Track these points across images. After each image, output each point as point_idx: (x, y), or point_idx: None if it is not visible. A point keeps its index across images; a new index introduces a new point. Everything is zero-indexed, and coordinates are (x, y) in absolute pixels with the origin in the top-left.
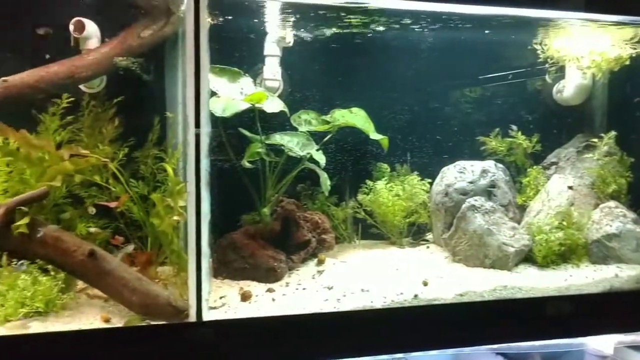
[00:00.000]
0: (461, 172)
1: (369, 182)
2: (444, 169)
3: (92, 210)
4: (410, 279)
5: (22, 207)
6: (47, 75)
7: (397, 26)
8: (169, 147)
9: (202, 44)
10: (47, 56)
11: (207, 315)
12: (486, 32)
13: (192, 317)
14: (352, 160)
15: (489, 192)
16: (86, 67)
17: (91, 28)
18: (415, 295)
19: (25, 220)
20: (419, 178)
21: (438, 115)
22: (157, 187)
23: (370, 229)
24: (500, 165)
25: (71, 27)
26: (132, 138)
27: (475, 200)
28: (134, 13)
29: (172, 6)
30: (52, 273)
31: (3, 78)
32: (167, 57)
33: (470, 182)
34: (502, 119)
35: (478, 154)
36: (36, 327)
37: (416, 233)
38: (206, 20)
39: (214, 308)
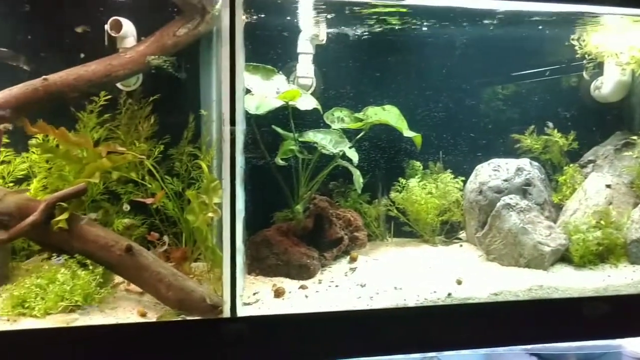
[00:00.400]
0: (496, 170)
1: (401, 180)
2: (478, 166)
3: (126, 207)
4: (443, 278)
5: (62, 203)
6: (85, 74)
7: (431, 23)
8: (204, 144)
9: (237, 42)
10: (82, 55)
11: (241, 311)
12: (522, 28)
13: (227, 313)
14: (384, 158)
15: (524, 190)
16: (123, 66)
17: (128, 27)
18: (449, 294)
19: (65, 215)
20: (452, 176)
21: (472, 112)
22: (192, 184)
23: (402, 227)
24: (536, 164)
25: (108, 26)
26: (167, 135)
27: (510, 198)
28: (169, 12)
29: (207, 5)
30: (91, 267)
31: (44, 76)
32: (202, 55)
33: (505, 180)
34: (537, 116)
35: (512, 152)
36: (75, 320)
37: (449, 231)
38: (241, 19)
39: (248, 304)
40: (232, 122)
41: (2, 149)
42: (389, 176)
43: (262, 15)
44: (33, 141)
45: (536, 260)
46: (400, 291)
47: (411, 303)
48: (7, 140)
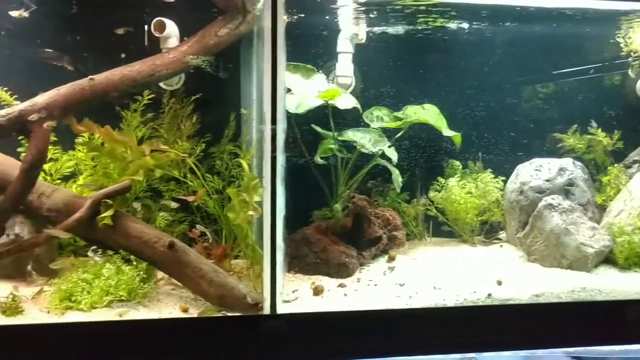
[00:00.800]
0: (537, 169)
1: (440, 179)
2: (519, 166)
3: (173, 204)
4: (483, 278)
5: (107, 200)
6: (130, 74)
7: (471, 21)
8: (244, 143)
9: (278, 41)
10: (123, 55)
11: (281, 309)
12: (565, 26)
13: (267, 310)
14: (424, 157)
15: (566, 190)
16: (166, 66)
17: (171, 27)
18: (489, 295)
19: (110, 212)
20: (493, 175)
21: (513, 111)
22: (232, 181)
23: (441, 227)
24: (579, 163)
25: (152, 27)
26: (208, 134)
27: (553, 198)
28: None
29: (249, 5)
30: (135, 263)
31: (90, 76)
32: (242, 54)
33: (547, 180)
34: (580, 115)
35: (555, 152)
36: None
37: (489, 231)
38: (283, 18)
39: (287, 302)
40: (273, 121)
41: (50, 147)
42: (428, 175)
43: (302, 15)
44: (79, 139)
45: (579, 262)
46: (439, 291)
47: (450, 303)
48: (54, 139)
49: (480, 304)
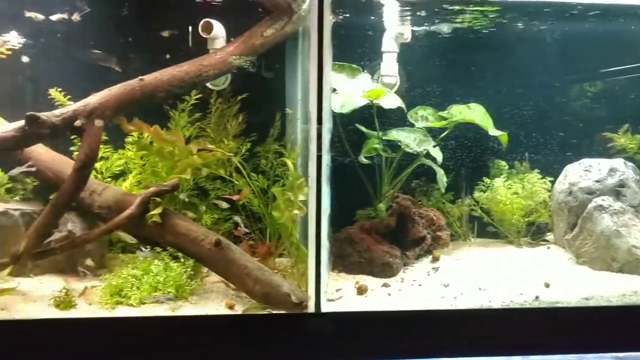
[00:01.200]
0: (587, 170)
1: (486, 180)
2: (568, 166)
3: (224, 205)
4: (530, 280)
5: (156, 198)
6: (178, 74)
7: (518, 20)
8: (288, 142)
9: (324, 41)
10: (167, 56)
11: (326, 307)
12: (615, 23)
13: (311, 308)
14: (469, 157)
15: (617, 191)
16: (213, 66)
17: (218, 28)
18: (537, 297)
19: (159, 210)
20: (540, 176)
21: (562, 110)
22: (276, 180)
23: (486, 227)
24: (630, 164)
25: (200, 28)
26: (254, 133)
27: (603, 200)
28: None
29: (294, 5)
30: (182, 260)
31: (140, 77)
32: (288, 54)
33: (597, 181)
34: (632, 114)
35: (605, 152)
36: (167, 310)
37: (535, 233)
38: (329, 18)
39: (331, 300)
40: (319, 121)
41: (101, 146)
42: (473, 175)
43: (348, 15)
44: (129, 138)
45: (630, 265)
46: (484, 292)
47: (497, 305)
48: (105, 138)
49: (528, 306)
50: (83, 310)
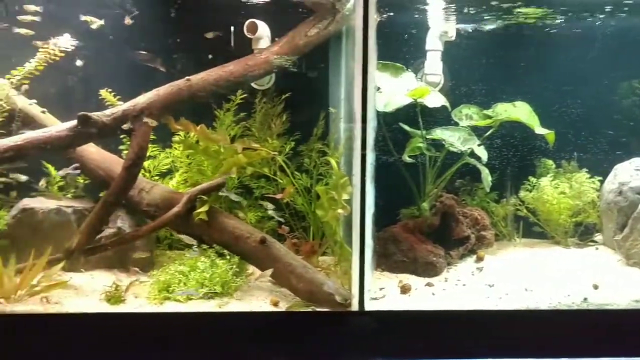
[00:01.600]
0: (638, 169)
1: (532, 179)
2: (618, 166)
3: (269, 206)
4: (578, 281)
5: (202, 196)
6: (224, 74)
7: (566, 16)
8: (332, 141)
9: (369, 40)
10: (210, 56)
11: (369, 306)
12: None
13: (355, 307)
14: (514, 156)
15: None
16: (258, 66)
17: (262, 29)
18: (585, 299)
19: (205, 207)
20: (588, 175)
21: (611, 108)
22: (320, 179)
23: (532, 228)
24: None
25: (244, 28)
26: (297, 132)
27: None
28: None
29: (338, 5)
30: (228, 257)
31: (187, 77)
32: (331, 54)
33: None
34: None
35: None
36: (214, 306)
37: (583, 233)
38: (374, 17)
39: (375, 299)
40: (364, 120)
41: (149, 145)
42: (518, 175)
43: (392, 13)
44: (176, 138)
45: None
46: (531, 293)
47: (543, 306)
48: (153, 137)
49: (575, 307)
50: (132, 305)
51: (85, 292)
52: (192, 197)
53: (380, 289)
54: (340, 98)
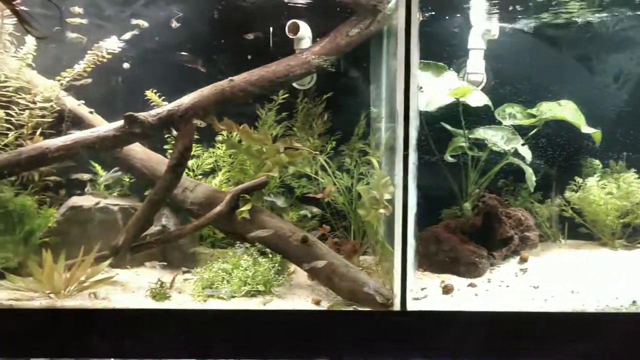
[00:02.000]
0: None
1: (577, 179)
2: None
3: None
4: (626, 284)
5: (245, 195)
6: (266, 74)
7: (612, 12)
8: (373, 140)
9: (412, 39)
10: (250, 57)
11: (411, 306)
12: None
13: (397, 306)
14: (559, 156)
15: None
16: (300, 66)
17: (304, 29)
18: (634, 302)
19: (248, 206)
20: (637, 175)
21: None
22: (361, 179)
23: (577, 229)
24: None
25: (286, 29)
26: (338, 132)
27: None
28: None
29: (379, 5)
30: (270, 256)
31: (230, 78)
32: (372, 53)
33: None
34: None
35: None
36: (256, 304)
37: (631, 235)
38: (417, 17)
39: (417, 299)
40: (406, 119)
41: (193, 145)
42: (563, 175)
43: (434, 13)
44: (219, 137)
45: None
46: (577, 295)
47: (590, 309)
48: (197, 137)
49: (624, 311)
50: (177, 301)
51: (131, 288)
52: (234, 196)
53: (422, 289)
54: (381, 98)
